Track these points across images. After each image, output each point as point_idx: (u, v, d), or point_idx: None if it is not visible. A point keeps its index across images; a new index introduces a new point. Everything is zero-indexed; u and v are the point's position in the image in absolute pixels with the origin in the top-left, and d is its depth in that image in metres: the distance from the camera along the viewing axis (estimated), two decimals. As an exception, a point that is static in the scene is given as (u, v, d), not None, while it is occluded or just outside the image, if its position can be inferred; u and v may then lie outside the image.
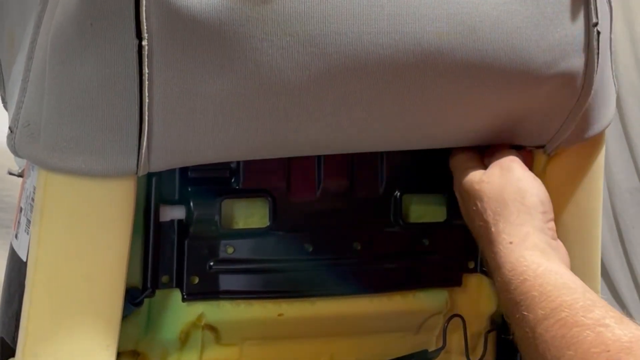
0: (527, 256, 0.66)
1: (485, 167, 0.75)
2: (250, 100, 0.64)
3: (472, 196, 0.72)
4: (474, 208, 0.71)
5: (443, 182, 0.81)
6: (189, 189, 0.76)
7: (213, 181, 0.76)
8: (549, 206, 0.71)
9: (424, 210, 0.83)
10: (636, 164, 1.59)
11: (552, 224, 0.70)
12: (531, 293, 0.63)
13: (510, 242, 0.67)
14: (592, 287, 0.67)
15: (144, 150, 0.64)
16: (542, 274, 0.64)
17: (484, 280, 0.85)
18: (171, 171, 0.74)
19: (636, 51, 1.58)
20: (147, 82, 0.62)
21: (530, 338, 0.62)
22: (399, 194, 0.81)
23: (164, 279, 0.76)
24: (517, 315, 0.64)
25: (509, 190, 0.70)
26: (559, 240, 0.70)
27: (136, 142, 0.64)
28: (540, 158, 0.79)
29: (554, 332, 0.59)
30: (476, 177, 0.73)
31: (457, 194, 0.76)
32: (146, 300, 0.75)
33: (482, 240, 0.71)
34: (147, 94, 0.62)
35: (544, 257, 0.66)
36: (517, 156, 0.75)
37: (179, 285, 0.76)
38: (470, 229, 0.75)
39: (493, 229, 0.69)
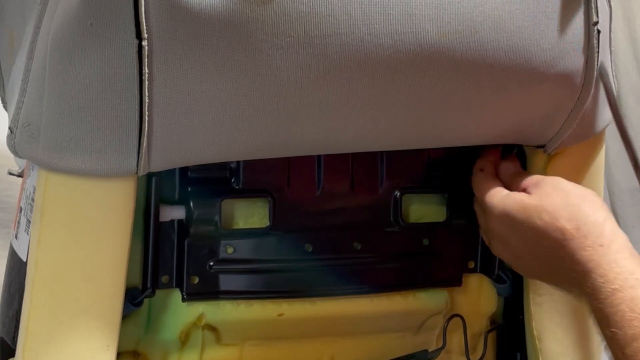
0: (619, 260, 0.64)
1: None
2: (250, 100, 0.64)
3: (533, 212, 0.69)
4: (540, 222, 0.68)
5: (443, 182, 0.81)
6: (189, 189, 0.76)
7: (213, 181, 0.76)
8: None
9: (424, 210, 0.83)
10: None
11: None
12: (621, 307, 0.61)
13: (601, 245, 0.65)
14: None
15: (144, 150, 0.64)
16: (634, 285, 0.62)
17: (484, 280, 0.85)
18: (171, 171, 0.74)
19: (636, 51, 1.58)
20: (147, 82, 0.62)
21: (618, 357, 0.61)
22: (399, 193, 0.80)
23: (164, 279, 0.76)
24: (607, 332, 0.62)
25: (573, 196, 0.69)
26: None
27: (136, 142, 0.64)
28: (540, 158, 0.79)
29: None
30: (525, 197, 0.71)
31: (500, 224, 0.73)
32: (146, 300, 0.75)
33: (559, 250, 0.68)
34: (147, 94, 0.62)
35: (635, 261, 0.64)
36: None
37: (179, 285, 0.76)
38: (528, 251, 0.71)
39: (575, 233, 0.66)
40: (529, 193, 0.72)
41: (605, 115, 0.77)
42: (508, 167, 0.77)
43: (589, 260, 0.65)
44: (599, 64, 0.70)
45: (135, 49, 0.61)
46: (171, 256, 0.75)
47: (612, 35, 0.75)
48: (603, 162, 0.81)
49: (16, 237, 0.73)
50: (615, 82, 0.78)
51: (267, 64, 0.63)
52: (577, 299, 0.69)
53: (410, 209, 0.82)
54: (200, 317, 0.77)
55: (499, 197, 0.73)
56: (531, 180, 0.73)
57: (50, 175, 0.66)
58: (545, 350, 0.81)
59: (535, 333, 0.81)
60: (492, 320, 0.87)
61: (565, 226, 0.67)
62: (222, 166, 0.76)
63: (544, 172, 0.78)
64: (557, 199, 0.69)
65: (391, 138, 0.71)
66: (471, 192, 0.81)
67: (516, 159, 0.79)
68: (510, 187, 0.75)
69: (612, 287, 0.63)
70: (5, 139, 0.69)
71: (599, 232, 0.66)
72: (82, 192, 0.66)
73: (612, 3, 0.74)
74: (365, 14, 0.63)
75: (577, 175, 0.79)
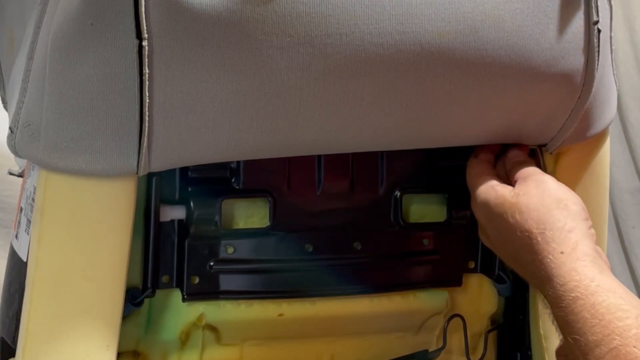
0: (579, 269, 0.64)
1: (502, 180, 0.75)
2: (250, 100, 0.64)
3: (508, 209, 0.70)
4: (511, 220, 0.69)
5: (443, 182, 0.81)
6: (189, 189, 0.76)
7: (213, 181, 0.76)
8: (588, 213, 0.70)
9: (424, 210, 0.83)
10: (636, 164, 1.59)
11: (593, 231, 0.69)
12: (582, 314, 0.62)
13: (561, 252, 0.65)
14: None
15: (144, 150, 0.64)
16: (595, 291, 0.62)
17: (484, 280, 0.85)
18: (171, 171, 0.74)
19: (636, 51, 1.58)
20: (147, 82, 0.62)
21: None
22: (399, 193, 0.80)
23: (164, 279, 0.76)
24: (568, 337, 0.62)
25: (549, 199, 0.69)
26: (598, 247, 0.69)
27: (136, 142, 0.64)
28: (549, 157, 0.78)
29: None
30: (507, 191, 0.71)
31: (480, 211, 0.74)
32: (146, 300, 0.75)
33: (525, 252, 0.68)
34: (147, 94, 0.62)
35: (595, 268, 0.64)
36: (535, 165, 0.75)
37: (179, 285, 0.76)
38: (500, 245, 0.73)
39: (539, 238, 0.67)
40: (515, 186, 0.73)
41: (606, 114, 0.77)
42: (515, 155, 0.77)
43: (550, 268, 0.65)
44: (599, 63, 0.71)
45: (135, 49, 0.61)
46: (171, 256, 0.75)
47: (612, 35, 0.75)
48: (608, 159, 0.81)
49: (16, 237, 0.73)
50: (617, 82, 0.78)
51: (267, 64, 0.63)
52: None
53: (410, 209, 0.82)
54: (200, 317, 0.77)
55: (484, 186, 0.74)
56: (523, 173, 0.73)
57: (50, 175, 0.66)
58: (551, 349, 0.81)
59: (541, 332, 0.81)
60: (493, 320, 0.87)
61: (531, 229, 0.68)
62: (222, 166, 0.76)
63: (553, 171, 0.78)
64: (533, 200, 0.69)
65: (391, 138, 0.71)
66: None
67: (525, 148, 0.78)
68: (509, 175, 0.75)
69: (573, 294, 0.63)
70: (5, 139, 0.69)
71: (562, 239, 0.66)
72: (83, 192, 0.66)
73: (612, 3, 0.74)
74: (365, 13, 0.63)
75: (582, 173, 0.79)
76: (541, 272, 0.66)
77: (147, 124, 0.63)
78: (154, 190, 0.73)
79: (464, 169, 0.80)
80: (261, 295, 0.78)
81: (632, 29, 1.58)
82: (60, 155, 0.64)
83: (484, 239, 0.76)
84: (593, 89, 0.71)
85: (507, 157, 0.78)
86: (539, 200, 0.69)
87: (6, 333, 0.74)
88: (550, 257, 0.66)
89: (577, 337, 0.61)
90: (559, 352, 0.70)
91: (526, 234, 0.68)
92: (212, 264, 0.77)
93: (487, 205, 0.73)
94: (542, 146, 0.77)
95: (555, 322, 0.65)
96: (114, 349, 0.68)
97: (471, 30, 0.65)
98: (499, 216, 0.71)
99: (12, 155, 0.71)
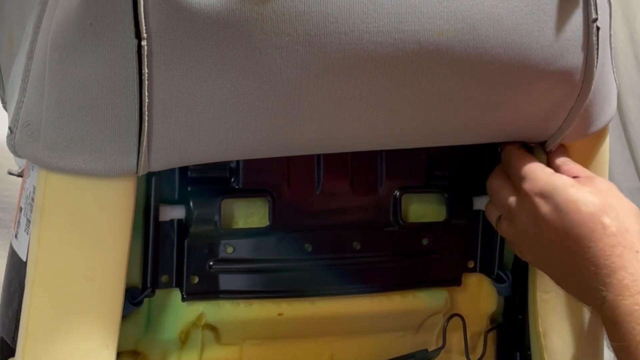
0: None
1: None
2: (249, 99, 0.64)
3: (582, 198, 0.70)
4: (584, 209, 0.69)
5: (443, 182, 0.81)
6: (189, 189, 0.76)
7: (213, 181, 0.76)
8: None
9: (423, 210, 0.83)
10: (636, 164, 1.59)
11: None
12: None
13: (637, 251, 0.67)
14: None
15: (144, 150, 0.64)
16: None
17: (484, 279, 0.85)
18: (171, 171, 0.74)
19: (636, 51, 1.58)
20: (146, 82, 0.62)
21: (633, 352, 0.63)
22: (398, 193, 0.80)
23: (164, 278, 0.76)
24: (624, 325, 0.64)
25: (625, 203, 0.71)
26: None
27: (136, 142, 0.64)
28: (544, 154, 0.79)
29: None
30: (577, 182, 0.72)
31: (536, 195, 0.72)
32: (146, 300, 0.75)
33: (590, 240, 0.68)
34: (146, 94, 0.62)
35: None
36: None
37: (179, 284, 0.76)
38: (551, 230, 0.71)
39: (616, 232, 0.68)
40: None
41: (606, 111, 0.77)
42: (562, 151, 0.77)
43: (622, 258, 0.67)
44: (598, 60, 0.71)
45: (134, 49, 0.61)
46: (171, 256, 0.75)
47: (611, 32, 0.75)
48: (607, 157, 0.81)
49: (16, 237, 0.73)
50: (616, 79, 0.78)
51: (266, 63, 0.63)
52: (576, 296, 0.70)
53: (410, 209, 0.82)
54: (200, 316, 0.77)
55: (545, 172, 0.73)
56: (584, 171, 0.74)
57: (50, 175, 0.66)
58: (550, 347, 0.81)
59: (540, 330, 0.81)
60: (492, 320, 0.87)
61: (608, 223, 0.68)
62: (222, 166, 0.76)
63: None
64: (609, 199, 0.70)
65: (391, 137, 0.71)
66: (471, 191, 0.81)
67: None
68: (561, 170, 0.75)
69: None
70: (5, 139, 0.69)
71: (638, 239, 0.68)
72: (82, 192, 0.66)
73: (611, 1, 0.74)
74: (364, 12, 0.63)
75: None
76: (608, 261, 0.67)
77: (146, 124, 0.63)
78: (153, 189, 0.73)
79: (464, 168, 0.80)
80: (261, 295, 0.78)
81: (632, 28, 1.58)
82: (59, 155, 0.64)
83: (516, 229, 0.75)
84: (592, 87, 0.71)
85: (552, 154, 0.77)
86: (616, 201, 0.70)
87: (6, 333, 0.74)
88: (623, 249, 0.67)
89: (634, 325, 0.63)
90: None
91: (600, 225, 0.68)
92: (211, 263, 0.77)
93: (553, 191, 0.71)
94: (541, 144, 0.77)
95: (609, 311, 0.66)
96: (113, 349, 0.68)
97: (470, 29, 0.65)
98: (568, 203, 0.70)
99: (12, 155, 0.71)
